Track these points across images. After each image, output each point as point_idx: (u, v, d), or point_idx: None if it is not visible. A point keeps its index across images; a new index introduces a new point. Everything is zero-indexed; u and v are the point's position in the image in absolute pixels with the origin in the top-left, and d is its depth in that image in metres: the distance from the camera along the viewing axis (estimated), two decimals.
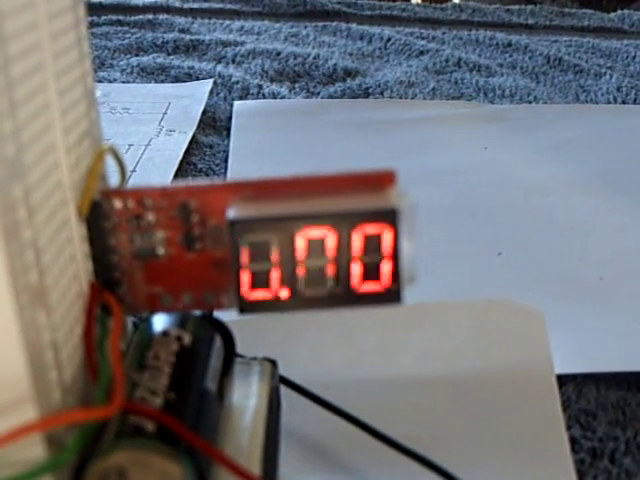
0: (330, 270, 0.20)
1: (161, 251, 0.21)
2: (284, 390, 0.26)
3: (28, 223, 0.17)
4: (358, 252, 0.20)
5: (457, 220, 0.43)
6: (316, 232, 0.20)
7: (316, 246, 0.20)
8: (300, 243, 0.20)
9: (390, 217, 0.20)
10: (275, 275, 0.20)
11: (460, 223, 0.43)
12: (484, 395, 0.29)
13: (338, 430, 0.26)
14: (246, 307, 0.21)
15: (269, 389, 0.24)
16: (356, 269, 0.20)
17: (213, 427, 0.21)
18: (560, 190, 0.47)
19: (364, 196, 0.20)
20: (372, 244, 0.20)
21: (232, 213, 0.20)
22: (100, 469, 0.18)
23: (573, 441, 0.27)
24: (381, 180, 0.21)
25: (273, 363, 0.25)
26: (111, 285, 0.22)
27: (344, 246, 0.20)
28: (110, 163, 0.22)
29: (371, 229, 0.20)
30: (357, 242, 0.20)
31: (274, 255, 0.20)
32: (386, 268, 0.20)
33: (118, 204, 0.21)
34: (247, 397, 0.24)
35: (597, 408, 0.29)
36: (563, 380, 0.30)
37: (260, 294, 0.20)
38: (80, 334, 0.20)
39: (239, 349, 0.25)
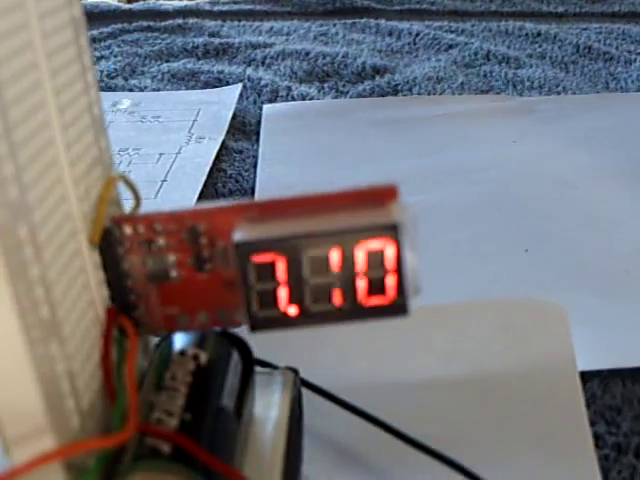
0: (336, 286, 0.21)
1: (174, 273, 0.22)
2: (309, 394, 0.27)
3: (36, 260, 0.17)
4: (363, 267, 0.20)
5: (485, 216, 0.43)
6: (321, 250, 0.20)
7: (321, 263, 0.20)
8: (305, 261, 0.20)
9: (392, 232, 0.20)
10: (283, 293, 0.21)
11: (487, 219, 0.43)
12: (507, 393, 0.29)
13: (362, 432, 0.26)
14: (257, 325, 0.21)
15: (291, 398, 0.25)
16: (362, 284, 0.21)
17: (229, 445, 0.21)
18: (588, 182, 0.47)
19: (366, 212, 0.21)
20: (376, 259, 0.20)
21: (237, 235, 0.20)
22: None
23: (597, 437, 0.28)
24: (383, 195, 0.21)
25: (295, 372, 0.26)
26: (127, 308, 0.22)
27: (349, 262, 0.20)
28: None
29: (374, 244, 0.20)
30: (361, 258, 0.20)
31: (280, 274, 0.20)
32: (391, 282, 0.20)
33: (128, 230, 0.21)
34: (268, 407, 0.24)
35: (622, 403, 0.29)
36: (588, 376, 0.30)
37: (269, 312, 0.21)
38: (97, 360, 0.21)
39: (263, 355, 0.25)
